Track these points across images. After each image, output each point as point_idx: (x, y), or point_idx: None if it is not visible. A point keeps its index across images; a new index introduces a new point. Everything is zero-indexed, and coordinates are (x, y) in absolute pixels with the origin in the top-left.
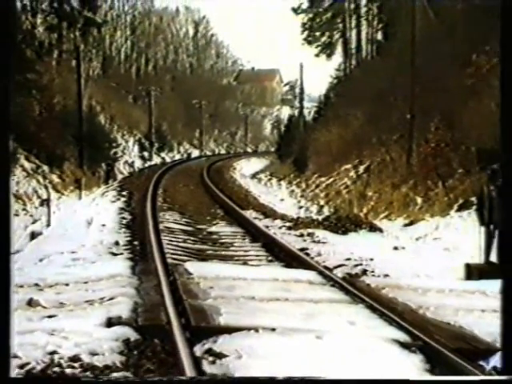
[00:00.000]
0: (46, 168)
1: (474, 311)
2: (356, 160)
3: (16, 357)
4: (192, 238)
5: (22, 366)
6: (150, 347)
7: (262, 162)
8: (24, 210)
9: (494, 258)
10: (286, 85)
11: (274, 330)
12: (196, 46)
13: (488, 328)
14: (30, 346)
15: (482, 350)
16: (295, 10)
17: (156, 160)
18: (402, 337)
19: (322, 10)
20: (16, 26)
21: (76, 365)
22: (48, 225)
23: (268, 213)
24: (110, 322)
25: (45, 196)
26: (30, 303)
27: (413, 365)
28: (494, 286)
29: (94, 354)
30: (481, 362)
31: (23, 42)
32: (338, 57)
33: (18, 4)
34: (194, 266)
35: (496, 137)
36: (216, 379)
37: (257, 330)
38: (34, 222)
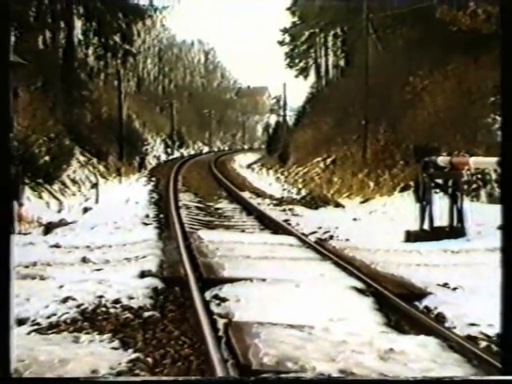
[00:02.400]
0: (95, 160)
1: (412, 265)
2: (325, 154)
3: (74, 299)
4: (203, 212)
5: (78, 306)
6: (172, 293)
7: (255, 156)
8: (79, 191)
9: (425, 226)
10: (273, 99)
11: (264, 280)
12: (206, 69)
13: (421, 278)
14: (83, 292)
15: (416, 294)
16: (280, 43)
17: (176, 154)
18: (359, 285)
19: (299, 43)
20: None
21: (117, 306)
22: (96, 202)
23: (260, 194)
24: (142, 274)
25: (94, 181)
26: (84, 260)
27: (366, 305)
28: (426, 246)
29: (131, 298)
30: (416, 303)
31: (79, 68)
32: (312, 78)
33: (75, 39)
34: (204, 233)
35: (427, 137)
36: (217, 380)
37: (251, 280)
38: (86, 200)
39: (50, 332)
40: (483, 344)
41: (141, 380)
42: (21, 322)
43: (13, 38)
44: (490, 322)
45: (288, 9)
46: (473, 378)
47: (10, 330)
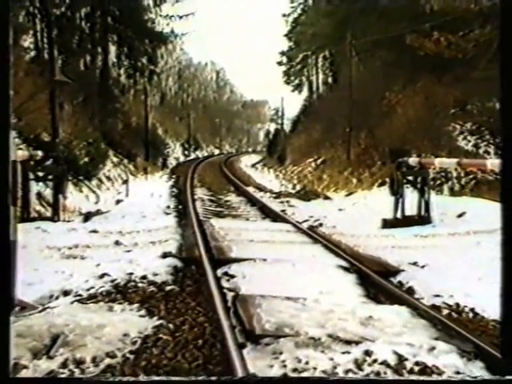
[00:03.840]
0: (126, 161)
1: (387, 248)
2: (316, 156)
3: (109, 275)
4: (214, 204)
5: (112, 281)
6: (189, 271)
7: (258, 157)
8: (112, 186)
9: (399, 215)
10: (273, 110)
11: (265, 260)
12: (217, 86)
13: (395, 258)
14: (116, 270)
15: (391, 272)
16: (279, 63)
17: (193, 156)
18: (344, 264)
19: (295, 63)
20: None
21: (144, 281)
22: (127, 195)
23: (261, 188)
24: (164, 255)
25: (125, 178)
26: (117, 243)
27: (350, 281)
28: (400, 232)
29: (155, 274)
30: (391, 279)
31: (113, 85)
32: (305, 92)
33: (110, 62)
34: (216, 221)
35: (400, 142)
36: (217, 380)
37: (254, 260)
38: (118, 193)
39: (89, 302)
40: (445, 312)
41: (140, 380)
42: (66, 293)
43: (59, 62)
44: (451, 294)
45: (285, 35)
46: (473, 378)
47: (9, 331)
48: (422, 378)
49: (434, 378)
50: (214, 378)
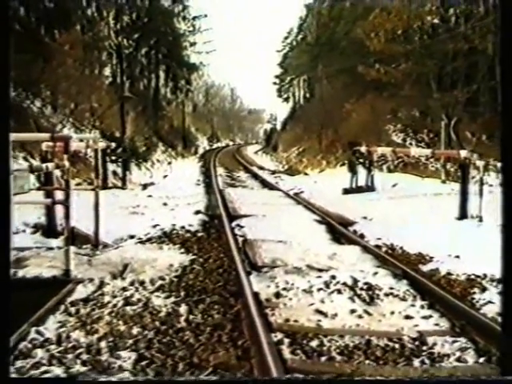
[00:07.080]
0: (170, 149)
1: (347, 208)
2: (298, 146)
3: (159, 225)
4: (230, 178)
5: (161, 229)
6: (213, 224)
7: (259, 147)
8: (161, 166)
9: (353, 185)
10: (269, 115)
11: (264, 216)
12: (232, 99)
13: (352, 214)
14: (164, 222)
15: (349, 223)
16: (274, 83)
17: (215, 146)
18: (318, 218)
19: (284, 83)
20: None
21: (183, 230)
22: (170, 172)
23: (261, 167)
24: (197, 212)
25: (169, 160)
26: (164, 204)
27: (322, 229)
28: (355, 197)
29: (190, 225)
30: (349, 228)
31: (161, 99)
32: (291, 103)
33: (160, 83)
34: (231, 190)
35: (355, 137)
36: (218, 380)
37: (257, 216)
38: (165, 171)
39: (146, 243)
40: (384, 249)
41: (141, 380)
42: (131, 237)
43: (127, 84)
44: (388, 237)
45: (278, 64)
46: (473, 378)
47: (10, 332)
48: (421, 378)
49: (434, 378)
50: (213, 378)
